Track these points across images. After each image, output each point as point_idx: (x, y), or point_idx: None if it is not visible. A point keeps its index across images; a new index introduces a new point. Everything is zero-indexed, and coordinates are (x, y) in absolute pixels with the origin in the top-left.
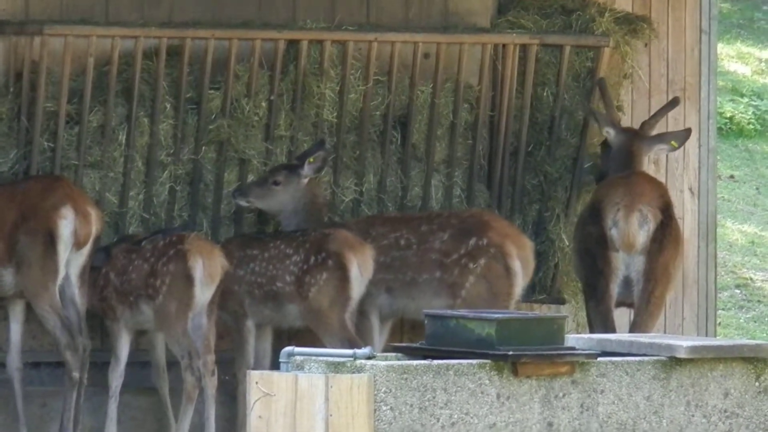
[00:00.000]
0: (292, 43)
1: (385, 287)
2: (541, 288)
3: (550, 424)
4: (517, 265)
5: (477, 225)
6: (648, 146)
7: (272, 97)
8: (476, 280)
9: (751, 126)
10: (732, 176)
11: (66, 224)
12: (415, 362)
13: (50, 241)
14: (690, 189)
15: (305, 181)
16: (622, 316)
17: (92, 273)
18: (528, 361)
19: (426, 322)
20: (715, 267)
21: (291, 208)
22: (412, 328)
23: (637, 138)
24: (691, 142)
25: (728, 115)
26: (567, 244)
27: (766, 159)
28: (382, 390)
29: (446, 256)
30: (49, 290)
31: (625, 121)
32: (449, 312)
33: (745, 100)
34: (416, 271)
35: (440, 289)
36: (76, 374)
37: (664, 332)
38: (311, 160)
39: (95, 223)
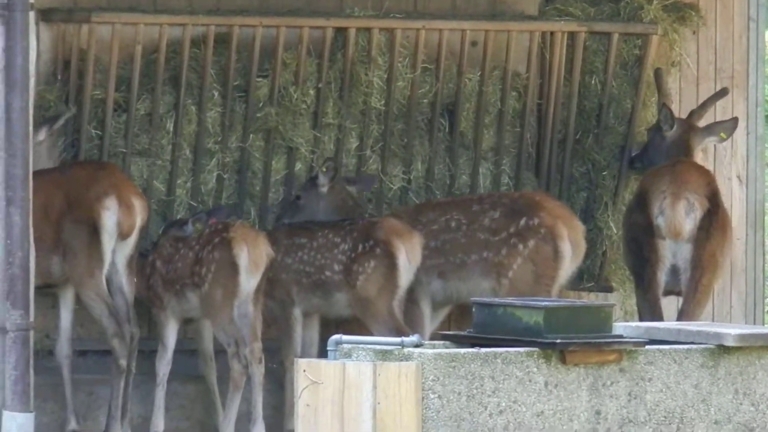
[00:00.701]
0: (340, 31)
1: (437, 272)
2: (589, 276)
3: (598, 413)
4: (566, 247)
5: (529, 204)
6: (701, 138)
7: (320, 85)
8: (523, 262)
9: None
10: None
11: (110, 215)
12: (462, 350)
13: (94, 231)
14: (738, 177)
15: (324, 189)
16: (670, 304)
17: (139, 261)
18: (576, 349)
19: (474, 310)
20: (764, 255)
21: (324, 215)
22: (461, 315)
23: (691, 130)
24: (740, 130)
25: None
26: (615, 232)
27: None
28: (430, 378)
29: (495, 234)
30: (95, 278)
31: (674, 108)
32: (497, 300)
33: None
34: (466, 251)
35: (487, 269)
36: (123, 362)
37: (712, 320)
38: (323, 169)
39: (140, 214)
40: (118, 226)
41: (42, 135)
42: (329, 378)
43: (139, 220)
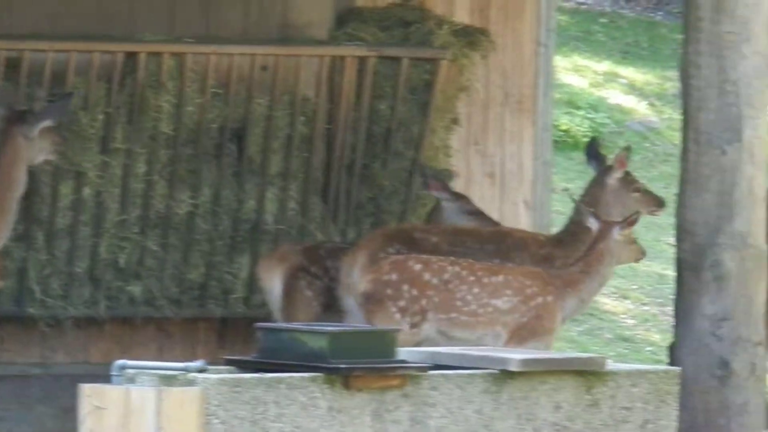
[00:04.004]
0: (131, 56)
1: None
2: None
3: None
4: None
5: None
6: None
7: (109, 110)
8: None
9: (587, 139)
10: (567, 189)
11: None
12: (247, 375)
13: None
14: (525, 202)
15: None
16: None
17: None
18: (359, 374)
19: (259, 335)
20: None
21: None
22: (245, 342)
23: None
24: (527, 155)
25: (564, 127)
26: None
27: None
28: (214, 403)
29: None
30: None
31: (462, 133)
32: (282, 325)
33: (581, 112)
34: None
35: None
36: None
37: None
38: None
39: None
40: None
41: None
42: (113, 403)
43: None
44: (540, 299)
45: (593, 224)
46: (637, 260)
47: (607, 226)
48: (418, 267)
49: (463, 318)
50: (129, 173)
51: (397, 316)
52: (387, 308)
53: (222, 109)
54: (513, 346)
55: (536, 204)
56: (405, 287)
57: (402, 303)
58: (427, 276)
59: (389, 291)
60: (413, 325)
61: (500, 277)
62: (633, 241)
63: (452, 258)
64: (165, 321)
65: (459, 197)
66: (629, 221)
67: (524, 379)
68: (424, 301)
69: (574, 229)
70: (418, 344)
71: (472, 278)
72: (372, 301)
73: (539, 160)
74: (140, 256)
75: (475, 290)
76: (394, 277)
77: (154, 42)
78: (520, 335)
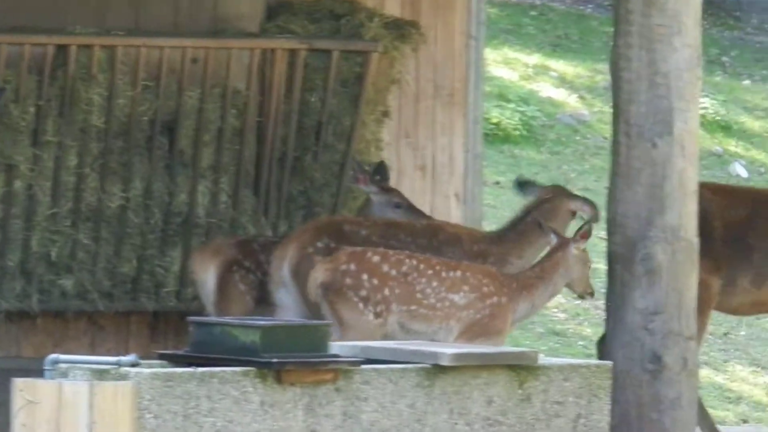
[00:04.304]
0: (61, 48)
1: None
2: None
3: None
4: None
5: None
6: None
7: (40, 103)
8: None
9: (517, 132)
10: (498, 182)
11: None
12: (179, 370)
13: None
14: (456, 195)
15: None
16: None
17: None
18: (291, 368)
19: (191, 329)
20: None
21: None
22: (177, 335)
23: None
24: (457, 148)
25: (495, 120)
26: None
27: (532, 165)
28: (146, 398)
29: None
30: None
31: (393, 126)
32: (214, 319)
33: (512, 105)
34: None
35: None
36: None
37: None
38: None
39: None
40: None
41: None
42: (46, 397)
43: None
44: (495, 299)
45: (554, 240)
46: (585, 292)
47: (564, 240)
48: (376, 258)
49: (422, 311)
50: (60, 166)
51: (360, 305)
52: (349, 298)
53: (153, 101)
54: (462, 342)
55: (467, 197)
56: (364, 277)
57: (363, 293)
58: (385, 267)
59: (348, 280)
60: (377, 315)
61: (458, 273)
62: (586, 262)
63: (407, 252)
64: (97, 314)
65: (388, 190)
66: (582, 234)
67: (456, 374)
68: (386, 291)
69: (513, 229)
70: (384, 337)
71: (430, 272)
72: (331, 291)
73: (470, 153)
74: (72, 249)
75: (434, 284)
76: (352, 267)
77: (85, 35)
78: (472, 331)
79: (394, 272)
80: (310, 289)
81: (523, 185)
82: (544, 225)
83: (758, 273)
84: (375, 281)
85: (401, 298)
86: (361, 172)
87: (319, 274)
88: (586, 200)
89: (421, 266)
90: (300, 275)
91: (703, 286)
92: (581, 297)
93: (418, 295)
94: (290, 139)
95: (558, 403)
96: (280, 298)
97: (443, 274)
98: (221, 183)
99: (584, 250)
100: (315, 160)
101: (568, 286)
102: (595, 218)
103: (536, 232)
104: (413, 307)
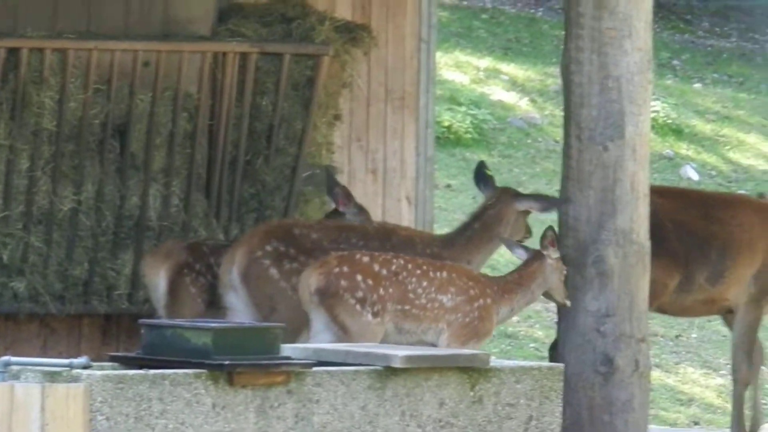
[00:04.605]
0: (13, 51)
1: None
2: None
3: None
4: None
5: None
6: None
7: None
8: None
9: (469, 135)
10: (449, 185)
11: None
12: (131, 372)
13: None
14: (407, 198)
15: None
16: None
17: None
18: (243, 370)
19: (142, 331)
20: None
21: None
22: (129, 338)
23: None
24: (409, 151)
25: (446, 124)
26: None
27: None
28: (98, 400)
29: None
30: None
31: (344, 129)
32: (165, 321)
33: (463, 109)
34: None
35: None
36: None
37: None
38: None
39: None
40: None
41: None
42: None
43: None
44: (482, 301)
45: (522, 255)
46: (564, 300)
47: (536, 252)
48: (366, 259)
49: (414, 311)
50: (12, 169)
51: (358, 307)
52: (346, 300)
53: (104, 105)
54: (455, 347)
55: (419, 200)
56: (359, 277)
57: (360, 294)
58: (376, 267)
59: (343, 283)
60: (375, 315)
61: (444, 274)
62: (562, 271)
63: (392, 252)
64: (49, 317)
65: (362, 211)
66: (548, 242)
67: (408, 376)
68: (381, 291)
69: (462, 234)
70: (382, 337)
71: (419, 272)
72: (328, 295)
73: (421, 157)
74: (24, 252)
75: (424, 284)
76: (345, 269)
77: (37, 38)
78: (463, 335)
79: (385, 272)
80: (303, 298)
81: (481, 177)
82: (508, 244)
83: (714, 270)
84: (369, 281)
85: (395, 297)
86: (344, 196)
87: (312, 280)
88: (532, 197)
89: (409, 266)
90: (249, 279)
91: (660, 285)
92: (563, 305)
93: (411, 295)
94: (242, 143)
95: (510, 405)
96: (229, 301)
97: (431, 274)
98: (173, 186)
99: (558, 259)
100: (266, 164)
101: (548, 294)
102: (547, 209)
103: (484, 239)
104: (407, 307)
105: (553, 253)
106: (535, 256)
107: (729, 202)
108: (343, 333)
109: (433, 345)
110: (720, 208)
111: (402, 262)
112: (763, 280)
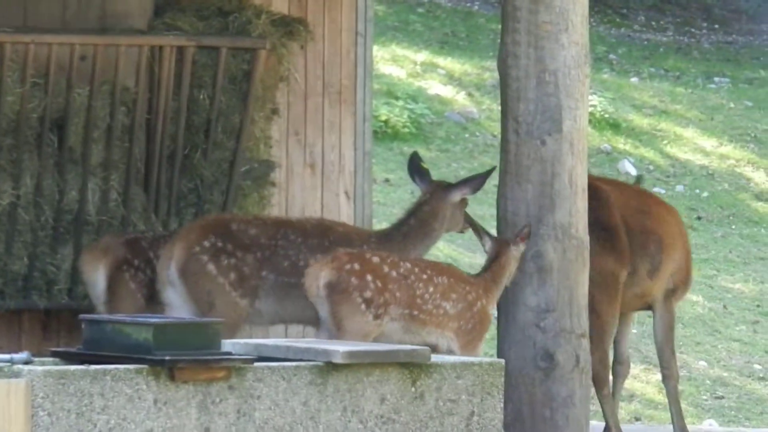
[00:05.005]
0: None
1: None
2: None
3: (207, 430)
4: None
5: None
6: None
7: None
8: None
9: (407, 129)
10: (387, 180)
11: None
12: (72, 367)
13: None
14: (346, 193)
15: None
16: None
17: None
18: (184, 366)
19: (83, 326)
20: None
21: None
22: (69, 333)
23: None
24: (347, 146)
25: (383, 118)
26: None
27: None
28: (40, 395)
29: None
30: None
31: (282, 123)
32: (106, 317)
33: (401, 103)
34: None
35: None
36: None
37: None
38: None
39: None
40: None
41: None
42: None
43: None
44: (479, 304)
45: (487, 242)
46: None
47: (502, 242)
48: (375, 259)
49: (422, 316)
50: None
51: (363, 307)
52: (353, 299)
53: (42, 99)
54: (467, 354)
55: (357, 195)
56: (369, 277)
57: (368, 294)
58: (386, 268)
59: (354, 280)
60: (377, 317)
61: (444, 278)
62: (518, 262)
63: (398, 254)
64: None
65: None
66: (521, 236)
67: (349, 372)
68: (387, 294)
69: (398, 231)
70: (380, 337)
71: (425, 276)
72: (337, 290)
73: (359, 151)
74: None
75: (431, 289)
76: (356, 266)
77: None
78: (471, 341)
79: (394, 274)
80: (310, 288)
81: (416, 169)
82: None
83: (652, 263)
84: (379, 283)
85: (401, 300)
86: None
87: (324, 273)
88: (461, 183)
89: (416, 269)
90: (187, 275)
91: (612, 277)
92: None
93: (418, 300)
94: (179, 137)
95: (451, 401)
96: (168, 296)
97: (435, 279)
98: (111, 180)
99: (522, 253)
100: (204, 158)
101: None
102: (479, 187)
103: (419, 235)
104: (415, 312)
105: (521, 247)
106: (500, 249)
107: (654, 197)
108: (337, 330)
109: (435, 346)
110: (651, 202)
111: (409, 264)
112: (679, 276)
